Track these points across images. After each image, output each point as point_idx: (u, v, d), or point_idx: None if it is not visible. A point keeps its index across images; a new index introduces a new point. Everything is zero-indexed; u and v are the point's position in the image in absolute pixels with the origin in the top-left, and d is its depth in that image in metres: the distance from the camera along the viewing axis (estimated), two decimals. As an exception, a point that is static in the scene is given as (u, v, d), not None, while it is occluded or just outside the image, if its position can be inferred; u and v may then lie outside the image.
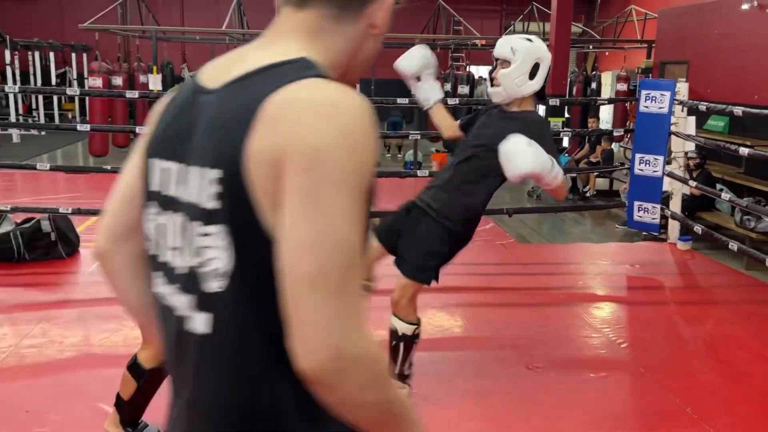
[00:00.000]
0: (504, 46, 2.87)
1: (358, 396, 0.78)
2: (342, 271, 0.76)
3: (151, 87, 10.71)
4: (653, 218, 5.77)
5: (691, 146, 6.07)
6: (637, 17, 13.99)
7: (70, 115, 16.65)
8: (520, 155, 2.52)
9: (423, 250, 2.88)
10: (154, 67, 11.08)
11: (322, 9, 0.93)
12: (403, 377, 2.98)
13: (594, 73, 14.24)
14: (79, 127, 5.43)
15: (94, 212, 5.45)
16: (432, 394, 3.17)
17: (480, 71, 19.68)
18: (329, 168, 0.77)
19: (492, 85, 2.89)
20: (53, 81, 15.62)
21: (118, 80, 11.51)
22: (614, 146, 9.99)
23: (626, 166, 6.83)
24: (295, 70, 0.86)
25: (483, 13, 19.60)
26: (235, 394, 0.84)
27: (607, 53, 18.03)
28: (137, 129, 5.05)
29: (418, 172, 5.26)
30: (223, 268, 0.83)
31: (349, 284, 0.76)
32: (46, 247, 5.09)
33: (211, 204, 0.83)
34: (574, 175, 9.17)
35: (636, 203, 5.86)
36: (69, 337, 3.82)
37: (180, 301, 0.89)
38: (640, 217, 5.86)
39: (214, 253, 0.83)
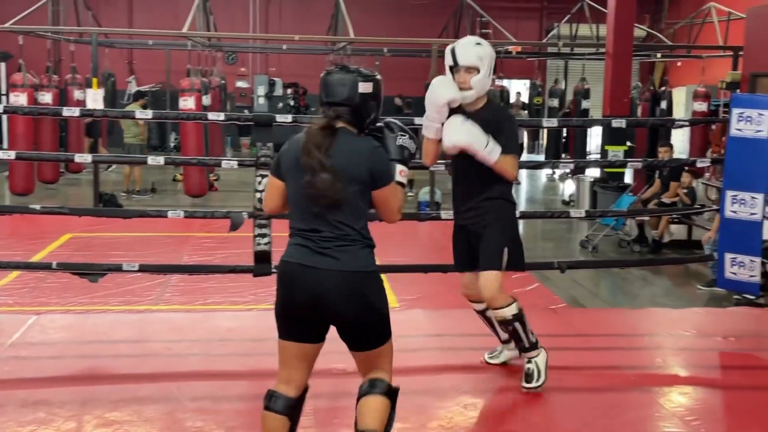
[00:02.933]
0: (470, 55, 4.05)
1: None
2: None
3: (89, 105, 10.87)
4: (751, 276, 5.77)
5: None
6: (718, 17, 14.23)
7: None
8: (455, 129, 3.98)
9: (495, 246, 4.18)
10: (94, 80, 11.27)
11: None
12: (534, 344, 4.34)
13: (663, 88, 14.47)
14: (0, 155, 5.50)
15: (16, 266, 5.48)
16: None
17: (514, 86, 19.97)
18: None
19: (460, 90, 4.09)
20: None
21: (46, 96, 11.70)
22: (694, 182, 10.08)
23: (712, 207, 6.87)
24: None
25: (518, 13, 20.01)
26: None
27: (679, 63, 18.32)
28: (76, 157, 5.12)
29: (442, 214, 5.29)
30: None
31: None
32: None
33: None
34: (642, 220, 9.23)
35: (727, 256, 5.88)
36: (-17, 431, 3.79)
37: None
38: (733, 274, 5.86)
39: None
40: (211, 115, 5.53)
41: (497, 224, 4.20)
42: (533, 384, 4.32)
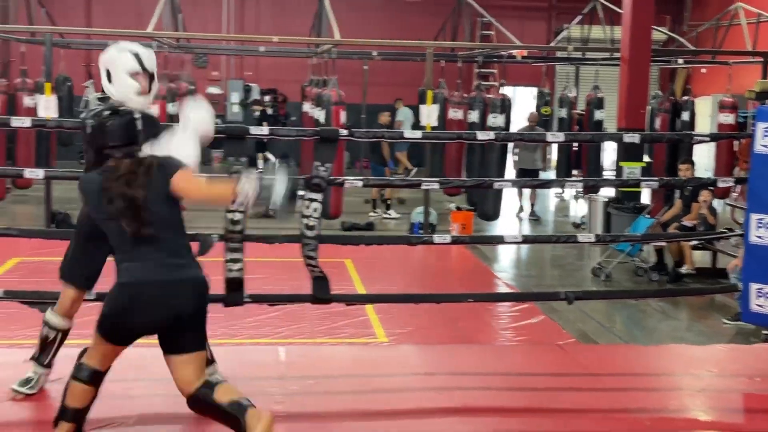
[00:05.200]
0: (153, 60, 4.52)
1: None
2: None
3: (41, 113, 10.91)
4: (780, 308, 5.83)
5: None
6: (746, 19, 14.37)
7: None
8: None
9: None
10: (47, 85, 11.31)
11: None
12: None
13: (686, 98, 14.58)
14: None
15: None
16: None
17: (519, 93, 20.11)
18: None
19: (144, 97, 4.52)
20: None
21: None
22: (717, 203, 10.18)
23: (737, 232, 6.94)
24: None
25: (523, 13, 20.20)
26: None
27: (704, 70, 18.50)
28: (26, 172, 5.17)
29: (436, 238, 5.35)
30: None
31: None
32: None
33: None
34: (661, 245, 9.29)
35: (753, 286, 5.94)
36: None
37: None
38: (760, 306, 5.93)
39: None
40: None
41: None
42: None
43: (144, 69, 4.45)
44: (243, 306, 5.28)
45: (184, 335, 3.90)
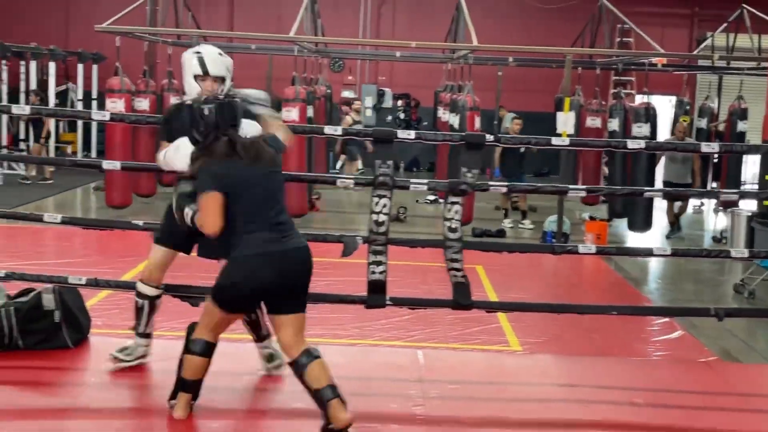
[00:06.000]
0: (220, 65, 4.75)
1: None
2: None
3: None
4: None
5: None
6: None
7: (69, 149, 17.72)
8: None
9: None
10: (192, 86, 11.66)
11: None
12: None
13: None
14: (105, 165, 5.78)
15: (115, 284, 5.72)
16: None
17: (655, 102, 19.48)
18: None
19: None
20: (51, 100, 16.73)
21: (143, 103, 12.18)
22: None
23: None
24: None
25: (664, 20, 19.66)
26: None
27: None
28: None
29: (581, 247, 5.23)
30: None
31: None
32: (46, 330, 5.38)
33: None
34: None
35: None
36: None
37: None
38: None
39: None
40: (328, 129, 5.66)
41: None
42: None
43: (206, 73, 4.69)
44: (383, 308, 5.30)
45: (288, 299, 4.24)
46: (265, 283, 4.16)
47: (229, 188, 4.14)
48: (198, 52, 4.76)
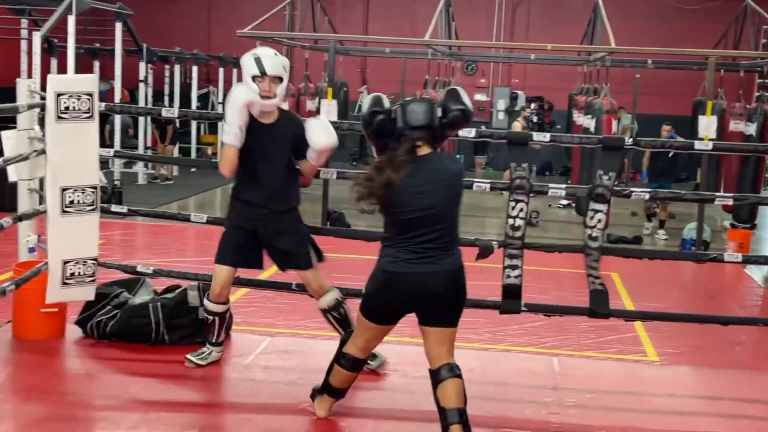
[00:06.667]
0: (276, 65, 4.80)
1: None
2: None
3: (323, 116, 11.45)
4: None
5: None
6: None
7: (210, 151, 18.36)
8: (325, 129, 4.96)
9: (303, 247, 5.26)
10: (329, 90, 11.89)
11: None
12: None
13: None
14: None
15: (256, 283, 5.88)
16: None
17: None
18: None
19: (266, 99, 4.79)
20: (194, 103, 17.36)
21: (281, 105, 12.46)
22: None
23: None
24: None
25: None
26: None
27: None
28: (320, 172, 5.43)
29: (726, 256, 5.06)
30: None
31: None
32: (191, 325, 5.58)
33: None
34: None
35: None
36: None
37: None
38: None
39: None
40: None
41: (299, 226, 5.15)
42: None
43: (264, 73, 4.74)
44: (518, 314, 5.27)
45: (435, 312, 4.12)
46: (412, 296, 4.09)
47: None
48: (255, 54, 4.84)
